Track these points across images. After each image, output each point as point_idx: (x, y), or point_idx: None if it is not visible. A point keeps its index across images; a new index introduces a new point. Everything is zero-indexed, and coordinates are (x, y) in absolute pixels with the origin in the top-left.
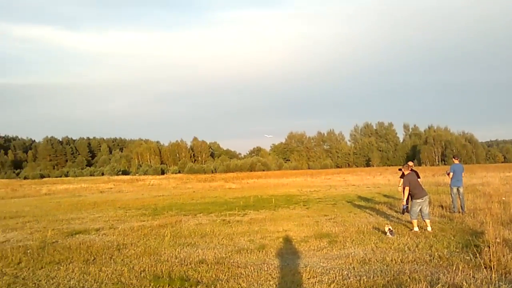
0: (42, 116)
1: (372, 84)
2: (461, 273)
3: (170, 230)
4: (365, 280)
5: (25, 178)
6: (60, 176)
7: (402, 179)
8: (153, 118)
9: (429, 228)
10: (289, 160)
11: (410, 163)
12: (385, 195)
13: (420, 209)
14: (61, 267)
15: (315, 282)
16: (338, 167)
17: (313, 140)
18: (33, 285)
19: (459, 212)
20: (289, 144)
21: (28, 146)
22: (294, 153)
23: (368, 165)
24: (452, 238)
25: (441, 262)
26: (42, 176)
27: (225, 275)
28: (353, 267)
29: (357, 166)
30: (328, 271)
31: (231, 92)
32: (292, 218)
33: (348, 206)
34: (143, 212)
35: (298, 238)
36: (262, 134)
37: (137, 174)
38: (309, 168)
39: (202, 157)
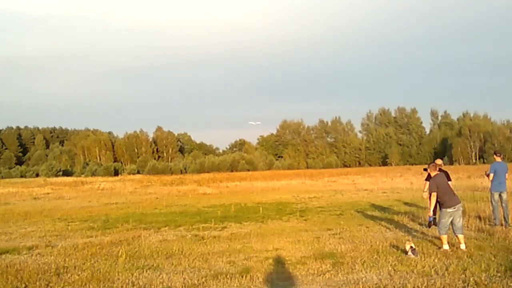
0: None
1: (390, 58)
2: None
3: (126, 249)
4: None
5: None
6: None
7: (428, 182)
8: (103, 101)
9: (462, 246)
10: (282, 157)
11: (439, 162)
12: (406, 203)
13: (452, 221)
14: None
15: None
16: (345, 166)
17: (313, 130)
18: None
19: (502, 225)
20: (282, 136)
21: None
22: (289, 147)
23: (384, 163)
24: (493, 259)
25: None
26: None
27: None
28: None
29: (371, 165)
30: None
31: (206, 68)
32: (286, 232)
33: (358, 217)
34: (90, 225)
35: (293, 259)
36: (246, 122)
37: (82, 175)
38: (307, 168)
39: (168, 153)
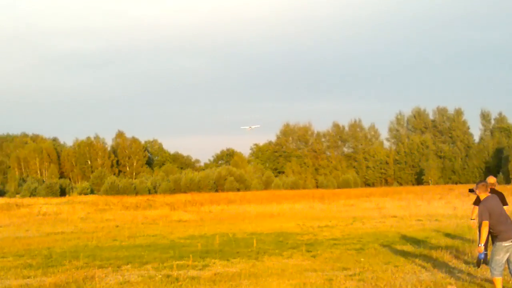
0: None
1: (426, 45)
2: None
3: None
4: None
5: None
6: None
7: (476, 207)
8: (46, 98)
9: None
10: (283, 172)
11: (491, 180)
12: (447, 234)
13: (508, 259)
14: None
15: None
16: (367, 185)
17: (325, 138)
18: None
19: None
20: (284, 144)
21: None
22: (292, 160)
23: (419, 182)
24: None
25: None
26: None
27: None
28: None
29: (401, 184)
30: None
31: (184, 55)
32: (287, 273)
33: (384, 253)
34: (27, 261)
35: None
36: (235, 126)
37: (17, 196)
38: (317, 187)
39: (132, 167)
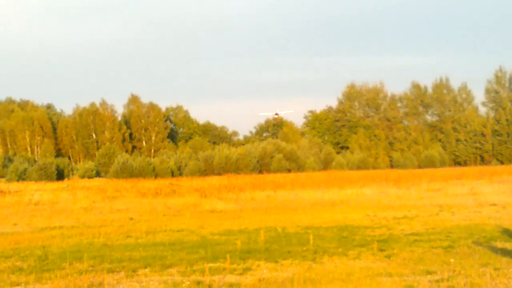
0: None
1: None
2: None
3: None
4: None
5: None
6: None
7: None
8: (38, 54)
9: None
10: (347, 147)
11: None
12: None
13: None
14: None
15: None
16: (457, 163)
17: (402, 102)
18: None
19: None
20: (347, 111)
21: None
22: (359, 132)
23: None
24: None
25: None
26: None
27: None
28: None
29: (502, 162)
30: None
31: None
32: (354, 278)
33: (481, 252)
34: (16, 264)
35: None
36: (282, 88)
37: (2, 179)
38: (392, 167)
39: (150, 141)
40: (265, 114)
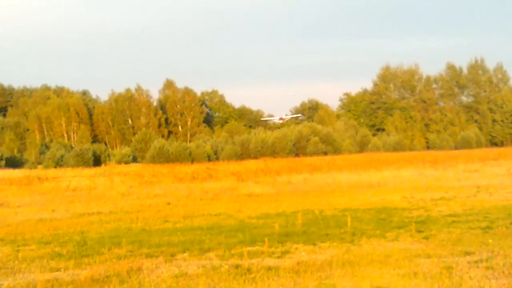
0: None
1: None
2: None
3: None
4: None
5: None
6: None
7: None
8: (72, 40)
9: None
10: (383, 129)
11: None
12: None
13: None
14: None
15: None
16: (494, 144)
17: (438, 83)
18: None
19: None
20: (383, 93)
21: None
22: (395, 113)
23: None
24: None
25: None
26: None
27: None
28: None
29: None
30: None
31: None
32: (393, 260)
33: None
34: (55, 250)
35: None
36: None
37: (39, 166)
38: (428, 148)
39: (186, 126)
40: (267, 119)
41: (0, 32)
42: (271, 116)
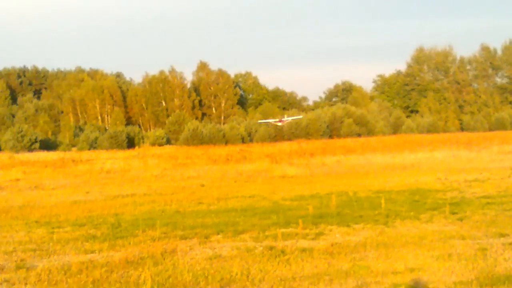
0: None
1: None
2: None
3: (152, 272)
4: None
5: None
6: None
7: None
8: (105, 23)
9: None
10: (417, 111)
11: None
12: None
13: None
14: None
15: None
16: None
17: (471, 65)
18: None
19: None
20: (416, 75)
21: None
22: (428, 95)
23: None
24: None
25: None
26: None
27: None
28: None
29: None
30: None
31: None
32: (427, 241)
33: None
34: (90, 232)
35: (441, 286)
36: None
37: (74, 148)
38: (462, 130)
39: (220, 108)
40: (266, 121)
41: (35, 15)
42: (305, 98)
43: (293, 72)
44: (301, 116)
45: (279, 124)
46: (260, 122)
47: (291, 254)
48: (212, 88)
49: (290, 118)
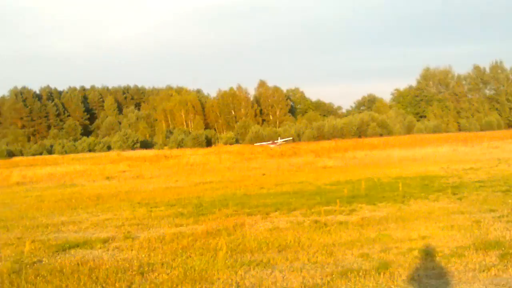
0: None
1: None
2: None
3: (226, 241)
4: None
5: None
6: (40, 153)
7: None
8: (189, 51)
9: None
10: (425, 116)
11: None
12: None
13: None
14: None
15: None
16: (510, 126)
17: (466, 80)
18: None
19: None
20: (424, 88)
21: None
22: (434, 104)
23: None
24: None
25: None
26: (11, 154)
27: None
28: None
29: None
30: None
31: (317, 3)
32: (434, 215)
33: None
34: (179, 210)
35: (445, 250)
36: (374, 72)
37: (166, 147)
38: (460, 130)
39: (275, 115)
40: (261, 143)
41: (138, 44)
42: (339, 107)
43: (331, 87)
44: (291, 138)
45: (272, 146)
46: (256, 145)
47: (331, 226)
48: (269, 100)
49: (282, 140)
